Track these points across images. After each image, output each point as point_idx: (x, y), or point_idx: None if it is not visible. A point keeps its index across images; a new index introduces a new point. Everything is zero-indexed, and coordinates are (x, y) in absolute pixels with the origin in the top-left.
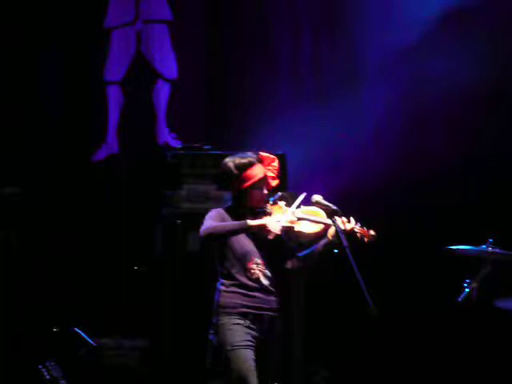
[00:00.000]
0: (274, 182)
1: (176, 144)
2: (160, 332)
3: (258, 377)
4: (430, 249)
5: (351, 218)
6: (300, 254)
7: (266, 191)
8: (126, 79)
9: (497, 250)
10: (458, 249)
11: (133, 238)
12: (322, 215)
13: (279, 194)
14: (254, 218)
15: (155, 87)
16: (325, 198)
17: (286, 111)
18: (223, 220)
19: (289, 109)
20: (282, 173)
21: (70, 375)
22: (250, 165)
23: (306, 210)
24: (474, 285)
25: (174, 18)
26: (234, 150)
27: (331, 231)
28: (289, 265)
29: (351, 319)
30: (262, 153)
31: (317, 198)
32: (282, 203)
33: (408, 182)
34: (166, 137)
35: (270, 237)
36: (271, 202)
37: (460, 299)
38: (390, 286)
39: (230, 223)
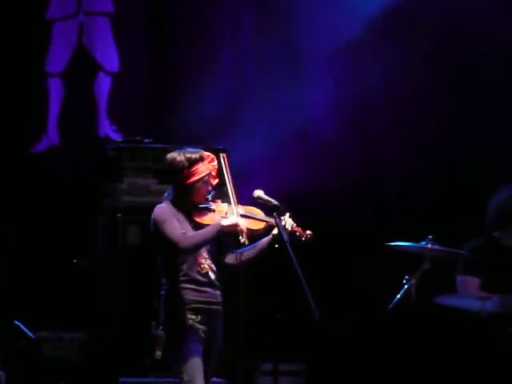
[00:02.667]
0: (215, 181)
1: (117, 137)
2: (99, 325)
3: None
4: (371, 245)
5: (287, 216)
6: (239, 251)
7: (210, 188)
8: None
9: (436, 247)
10: (397, 245)
11: (72, 231)
12: (261, 214)
13: (213, 192)
14: (200, 214)
15: (96, 79)
16: (266, 193)
17: (228, 105)
18: (177, 218)
19: (231, 102)
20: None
21: (9, 367)
22: (201, 159)
23: (246, 208)
24: (414, 281)
25: (116, 11)
26: (175, 143)
27: (275, 232)
28: (228, 260)
29: (292, 317)
30: (203, 151)
31: (258, 192)
32: (219, 201)
33: (349, 178)
34: (107, 129)
35: (242, 238)
36: (210, 199)
37: (399, 296)
38: (330, 282)
39: (206, 232)
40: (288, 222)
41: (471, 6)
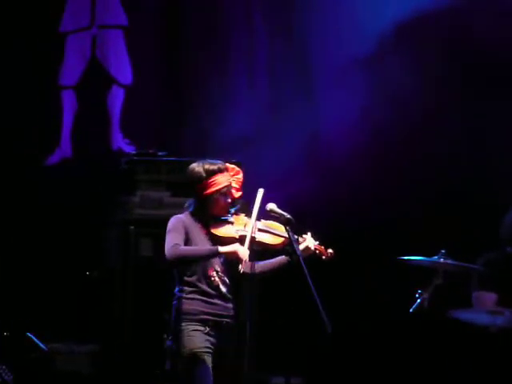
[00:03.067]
0: (237, 194)
1: (130, 150)
2: (111, 337)
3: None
4: (383, 259)
5: (309, 234)
6: (256, 263)
7: (229, 200)
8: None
9: (449, 261)
10: (410, 259)
11: (85, 243)
12: (282, 229)
13: (238, 206)
14: (217, 226)
15: (110, 92)
16: (278, 206)
17: (241, 119)
18: (187, 229)
19: (244, 117)
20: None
21: (21, 380)
22: (219, 171)
23: (267, 223)
24: (426, 295)
25: (129, 23)
26: (188, 156)
27: (301, 246)
28: (243, 269)
29: (305, 330)
30: (228, 164)
31: (271, 206)
32: (241, 215)
33: (362, 192)
34: (120, 142)
35: (240, 266)
36: (233, 212)
37: (412, 310)
38: (344, 296)
39: (199, 249)
40: (310, 240)
41: (483, 23)
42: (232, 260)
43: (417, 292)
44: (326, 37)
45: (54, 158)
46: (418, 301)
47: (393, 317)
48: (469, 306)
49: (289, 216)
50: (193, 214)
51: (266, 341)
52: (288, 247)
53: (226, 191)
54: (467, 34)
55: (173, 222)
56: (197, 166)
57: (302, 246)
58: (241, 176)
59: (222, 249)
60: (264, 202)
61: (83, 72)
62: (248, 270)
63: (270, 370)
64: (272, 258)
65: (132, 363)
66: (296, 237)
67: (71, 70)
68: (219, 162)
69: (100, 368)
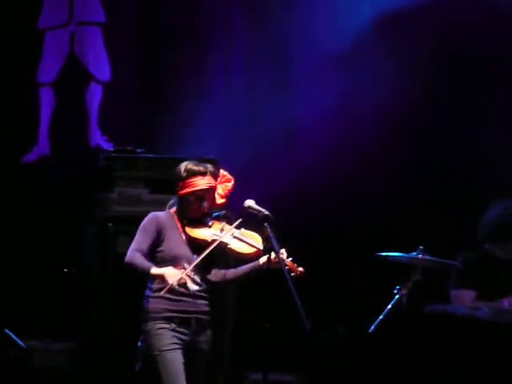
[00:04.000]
0: (221, 201)
1: (108, 146)
2: (88, 334)
3: (188, 380)
4: (361, 255)
5: (283, 250)
6: (227, 271)
7: (206, 204)
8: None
9: (427, 258)
10: (389, 255)
11: (63, 241)
12: (258, 240)
13: (224, 212)
14: (193, 226)
15: (88, 89)
16: (257, 203)
17: (218, 115)
18: (160, 228)
19: (221, 113)
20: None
21: None
22: (199, 173)
23: (246, 233)
24: (404, 291)
25: (108, 21)
26: (166, 153)
27: (264, 259)
28: (212, 277)
29: (284, 331)
30: (222, 170)
31: (249, 202)
32: (223, 222)
33: (339, 188)
34: (98, 139)
35: (164, 291)
36: (214, 217)
37: (390, 306)
38: (320, 291)
39: (144, 265)
40: (283, 255)
41: (466, 19)
42: (214, 257)
43: (395, 288)
44: (304, 34)
45: (31, 156)
46: (397, 297)
47: (372, 313)
48: (447, 302)
49: (267, 213)
50: (173, 213)
51: (244, 338)
52: (266, 244)
53: (201, 194)
54: (447, 29)
55: (147, 220)
56: (181, 165)
57: (265, 259)
58: (230, 184)
59: (153, 270)
60: (242, 199)
61: (61, 69)
62: (219, 280)
63: (249, 366)
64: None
65: (109, 361)
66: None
67: (49, 66)
68: (207, 165)
69: (78, 365)
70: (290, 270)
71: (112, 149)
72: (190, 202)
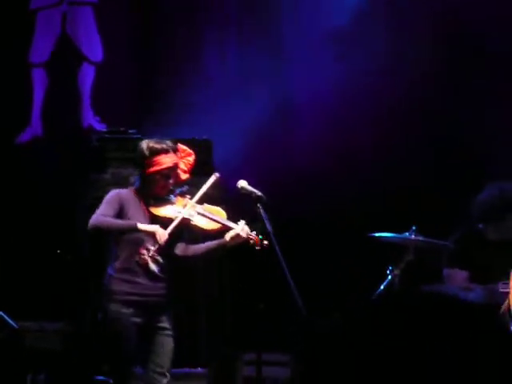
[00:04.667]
0: (184, 176)
1: (100, 127)
2: (82, 315)
3: (149, 364)
4: (354, 235)
5: (242, 222)
6: (192, 246)
7: (171, 181)
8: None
9: (420, 238)
10: (381, 236)
11: (56, 221)
12: (223, 215)
13: (186, 187)
14: (156, 204)
15: (80, 70)
16: (250, 184)
17: (212, 95)
18: (122, 204)
19: (215, 92)
20: (208, 158)
21: None
22: (163, 151)
23: (210, 208)
24: (397, 272)
25: (99, 1)
26: (159, 134)
27: (231, 234)
28: (176, 250)
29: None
30: (180, 145)
31: (242, 183)
32: (187, 197)
33: (333, 168)
34: (91, 120)
35: (153, 249)
36: (177, 193)
37: (383, 286)
38: (313, 272)
39: (119, 222)
40: (244, 228)
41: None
42: (178, 233)
43: (388, 269)
44: (301, 9)
45: (24, 136)
46: (389, 277)
47: (364, 293)
48: (439, 282)
49: (260, 193)
50: (136, 191)
51: (238, 318)
52: (260, 225)
53: (167, 173)
54: (448, 8)
55: (110, 195)
56: (143, 143)
57: (232, 233)
58: (192, 158)
59: (140, 226)
60: (235, 179)
61: (53, 49)
62: (180, 253)
63: (243, 346)
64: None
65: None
66: (238, 229)
67: (41, 47)
68: (168, 142)
69: (72, 346)
70: (254, 243)
71: (105, 130)
72: (155, 180)
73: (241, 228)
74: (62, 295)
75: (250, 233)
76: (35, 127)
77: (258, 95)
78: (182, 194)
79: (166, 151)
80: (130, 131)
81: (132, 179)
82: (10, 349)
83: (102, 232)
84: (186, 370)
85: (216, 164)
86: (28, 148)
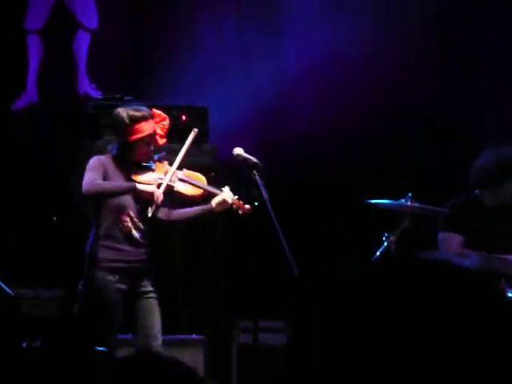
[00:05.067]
0: (162, 141)
1: (96, 94)
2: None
3: (139, 329)
4: (350, 202)
5: (227, 188)
6: (175, 210)
7: (152, 148)
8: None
9: (416, 204)
10: (377, 203)
11: (51, 188)
12: (204, 181)
13: (164, 153)
14: (137, 172)
15: (76, 37)
16: (245, 151)
17: (208, 63)
18: (106, 170)
19: (211, 60)
20: (204, 126)
21: None
22: (143, 118)
23: (190, 174)
24: (393, 238)
25: None
26: (155, 101)
27: (217, 199)
28: (159, 214)
29: (272, 274)
30: (155, 110)
31: (238, 150)
32: (165, 162)
33: (329, 135)
34: (87, 87)
35: (150, 209)
36: (156, 159)
37: (379, 253)
38: (309, 239)
39: (118, 183)
40: (228, 194)
41: None
42: (147, 203)
43: (384, 235)
44: None
45: (20, 103)
46: (385, 244)
47: (360, 260)
48: (435, 248)
49: (256, 160)
50: (115, 158)
51: (233, 285)
52: (255, 191)
53: (149, 139)
54: None
55: (92, 161)
56: (121, 111)
57: (218, 199)
58: (167, 123)
59: (140, 186)
60: (231, 146)
61: (49, 16)
62: (164, 217)
63: (239, 313)
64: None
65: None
66: (223, 195)
67: (36, 14)
68: (145, 108)
69: (68, 313)
70: (239, 209)
71: (100, 97)
72: (137, 147)
73: (226, 194)
74: (58, 262)
75: (234, 198)
76: (31, 94)
77: (256, 68)
78: (161, 160)
79: (146, 118)
80: (126, 98)
81: (109, 147)
82: (5, 316)
83: (101, 196)
84: (181, 336)
85: (211, 131)
86: (24, 115)
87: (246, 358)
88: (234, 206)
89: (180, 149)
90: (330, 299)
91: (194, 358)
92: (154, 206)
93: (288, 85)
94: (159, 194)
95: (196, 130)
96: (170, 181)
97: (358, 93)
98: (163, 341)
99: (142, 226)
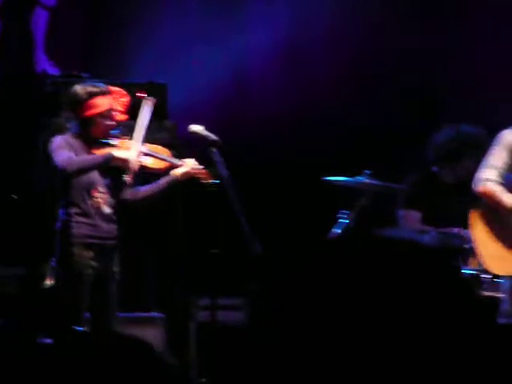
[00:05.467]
0: (121, 117)
1: (54, 71)
2: (40, 261)
3: (98, 308)
4: (308, 179)
5: (193, 160)
6: (141, 188)
7: (111, 123)
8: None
9: (374, 182)
10: (335, 180)
11: (8, 166)
12: (167, 153)
13: (120, 129)
14: (101, 149)
15: (33, 14)
16: (205, 129)
17: (168, 40)
18: (72, 148)
19: (171, 37)
20: (163, 103)
21: None
22: (100, 93)
23: (152, 147)
24: (351, 216)
25: None
26: (113, 78)
27: (182, 170)
28: (125, 195)
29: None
30: (112, 87)
31: (195, 127)
32: (126, 138)
33: (288, 114)
34: (45, 64)
35: (127, 176)
36: (116, 135)
37: (337, 230)
38: (267, 217)
39: (94, 157)
40: (193, 164)
41: None
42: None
43: (341, 213)
44: None
45: None
46: (343, 221)
47: (318, 237)
48: (394, 225)
49: (214, 137)
50: (75, 136)
51: (193, 264)
52: (213, 169)
53: (107, 114)
54: None
55: (58, 140)
56: (78, 88)
57: (183, 169)
58: (126, 99)
59: (116, 153)
60: (192, 123)
61: None
62: (130, 197)
63: (198, 291)
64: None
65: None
66: (186, 166)
67: None
68: (102, 84)
69: (28, 291)
70: (204, 178)
71: (58, 74)
72: (96, 123)
73: (190, 164)
74: (18, 241)
75: (199, 168)
76: None
77: (217, 46)
78: (121, 137)
79: (103, 93)
80: (84, 75)
81: (68, 125)
82: None
83: (82, 172)
84: (141, 314)
85: (171, 108)
86: None
87: (204, 336)
88: (200, 176)
89: (139, 123)
90: (289, 277)
91: (153, 336)
92: (132, 173)
93: (249, 62)
94: (135, 161)
95: (151, 99)
96: (136, 155)
97: (320, 70)
98: (124, 318)
99: (112, 202)
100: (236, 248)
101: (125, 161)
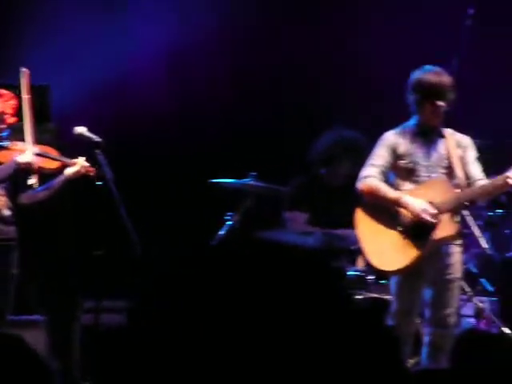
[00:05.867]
0: (11, 119)
1: None
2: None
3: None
4: (193, 182)
5: (81, 158)
6: (34, 191)
7: (2, 126)
8: None
9: (259, 184)
10: (220, 182)
11: None
12: (56, 153)
13: (9, 130)
14: None
15: None
16: (89, 130)
17: (50, 38)
18: None
19: (55, 38)
20: (45, 104)
21: None
22: None
23: (42, 147)
24: (236, 218)
25: None
26: None
27: (74, 169)
28: (22, 200)
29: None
30: (2, 90)
31: (79, 129)
32: (16, 141)
33: (169, 115)
34: None
35: (32, 178)
36: (5, 137)
37: (222, 232)
38: (151, 220)
39: (2, 167)
40: (84, 163)
41: None
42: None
43: (227, 215)
44: None
45: None
46: (229, 223)
47: (203, 239)
48: (279, 227)
49: (98, 139)
50: None
51: (78, 265)
52: (98, 170)
53: None
54: None
55: None
56: None
57: (75, 168)
58: (14, 102)
59: (19, 158)
60: (75, 125)
61: None
62: (27, 201)
63: (82, 294)
64: None
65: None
66: (78, 166)
67: None
68: None
69: None
70: (94, 176)
71: None
72: None
73: (81, 163)
74: None
75: (89, 167)
76: None
77: (100, 46)
78: (11, 139)
79: None
80: None
81: None
82: None
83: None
84: (24, 316)
85: (54, 110)
86: None
87: (87, 339)
88: (91, 174)
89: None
90: (171, 280)
91: (36, 339)
92: (36, 175)
93: (134, 64)
94: (30, 158)
95: (26, 96)
96: (30, 158)
97: (202, 73)
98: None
99: (11, 205)
100: (119, 250)
101: (28, 164)
